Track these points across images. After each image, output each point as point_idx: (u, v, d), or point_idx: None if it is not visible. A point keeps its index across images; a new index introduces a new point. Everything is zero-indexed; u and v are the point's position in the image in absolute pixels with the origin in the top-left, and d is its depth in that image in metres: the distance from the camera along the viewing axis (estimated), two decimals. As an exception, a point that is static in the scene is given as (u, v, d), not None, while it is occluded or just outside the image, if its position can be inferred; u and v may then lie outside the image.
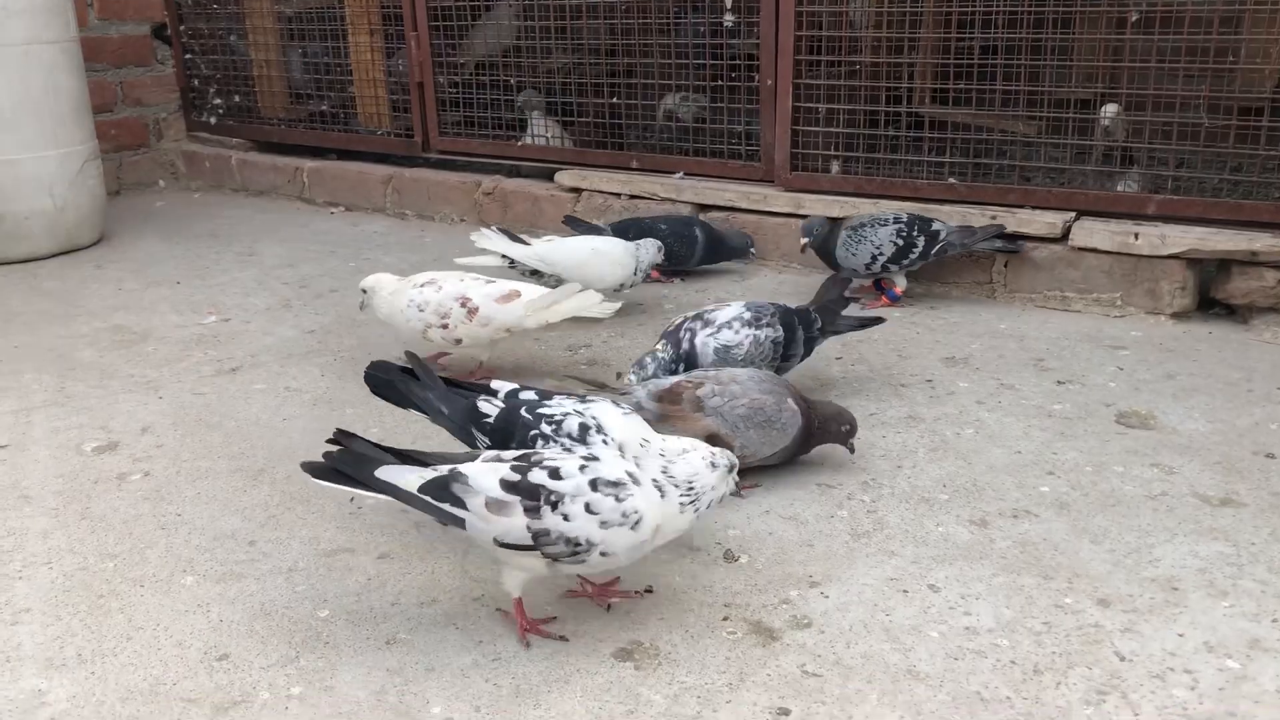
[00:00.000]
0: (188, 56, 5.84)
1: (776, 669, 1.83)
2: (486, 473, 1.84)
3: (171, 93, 5.93)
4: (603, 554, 1.84)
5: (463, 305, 2.98)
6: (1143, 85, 3.48)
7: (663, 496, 1.88)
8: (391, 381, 2.24)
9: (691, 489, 1.91)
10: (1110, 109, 3.59)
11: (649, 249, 3.62)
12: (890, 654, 1.86)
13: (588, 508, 1.81)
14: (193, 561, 2.22)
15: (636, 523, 1.84)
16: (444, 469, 1.84)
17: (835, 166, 4.00)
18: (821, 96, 3.94)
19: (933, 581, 2.07)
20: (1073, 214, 3.58)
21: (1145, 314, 3.48)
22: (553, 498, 1.81)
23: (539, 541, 1.81)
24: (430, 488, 1.81)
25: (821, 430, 2.51)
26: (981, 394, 2.94)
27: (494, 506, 1.81)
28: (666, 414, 2.42)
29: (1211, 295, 3.45)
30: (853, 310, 3.10)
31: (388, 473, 1.83)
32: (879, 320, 3.05)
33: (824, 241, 3.62)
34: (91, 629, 1.99)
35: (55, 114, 4.48)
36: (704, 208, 4.23)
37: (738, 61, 4.19)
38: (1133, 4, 3.43)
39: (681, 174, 4.35)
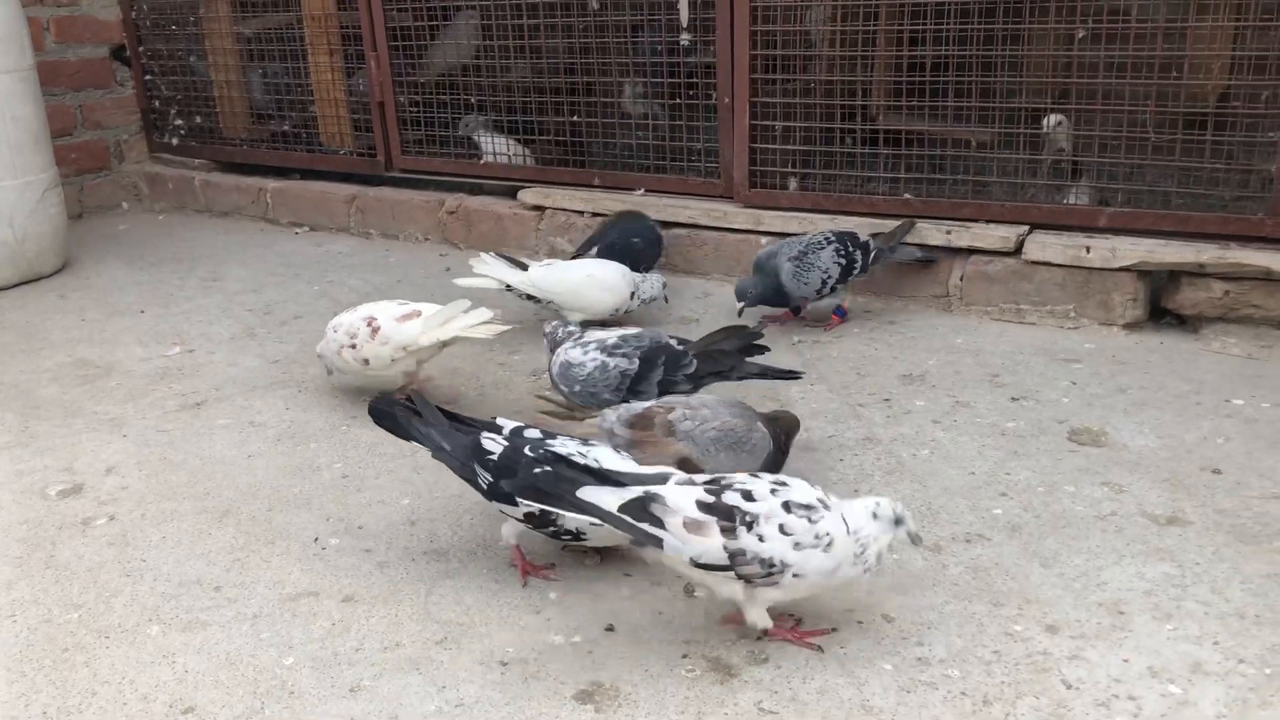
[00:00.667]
0: (148, 78, 5.80)
1: (734, 707, 1.87)
2: (682, 494, 1.92)
3: (132, 114, 5.89)
4: (795, 575, 1.91)
5: (368, 325, 3.06)
6: (1091, 99, 3.54)
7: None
8: (394, 415, 2.33)
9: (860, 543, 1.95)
10: (1053, 119, 3.66)
11: (654, 283, 3.70)
12: (844, 688, 1.91)
13: (782, 529, 1.89)
14: (158, 610, 2.23)
15: (829, 545, 1.91)
16: (638, 490, 1.92)
17: (793, 183, 4.05)
18: (778, 114, 3.98)
19: (887, 611, 2.12)
20: (1026, 228, 3.63)
21: (1098, 325, 3.54)
22: (748, 518, 1.89)
23: (735, 561, 1.89)
24: (629, 508, 1.89)
25: (787, 444, 2.56)
26: (937, 413, 2.99)
27: (691, 526, 1.89)
28: (639, 439, 2.44)
29: (1163, 305, 3.52)
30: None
31: (588, 493, 1.91)
32: (792, 375, 2.88)
33: (762, 291, 3.57)
34: (56, 684, 2.01)
35: (13, 144, 4.44)
36: (665, 224, 4.24)
37: (695, 80, 4.22)
38: (1080, 21, 3.49)
39: (643, 190, 4.38)
